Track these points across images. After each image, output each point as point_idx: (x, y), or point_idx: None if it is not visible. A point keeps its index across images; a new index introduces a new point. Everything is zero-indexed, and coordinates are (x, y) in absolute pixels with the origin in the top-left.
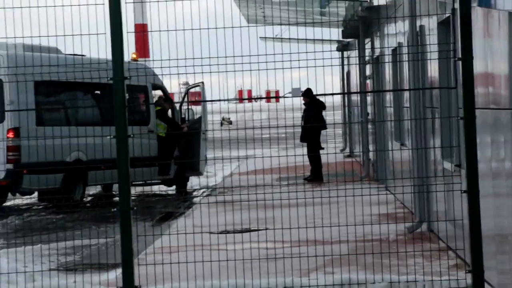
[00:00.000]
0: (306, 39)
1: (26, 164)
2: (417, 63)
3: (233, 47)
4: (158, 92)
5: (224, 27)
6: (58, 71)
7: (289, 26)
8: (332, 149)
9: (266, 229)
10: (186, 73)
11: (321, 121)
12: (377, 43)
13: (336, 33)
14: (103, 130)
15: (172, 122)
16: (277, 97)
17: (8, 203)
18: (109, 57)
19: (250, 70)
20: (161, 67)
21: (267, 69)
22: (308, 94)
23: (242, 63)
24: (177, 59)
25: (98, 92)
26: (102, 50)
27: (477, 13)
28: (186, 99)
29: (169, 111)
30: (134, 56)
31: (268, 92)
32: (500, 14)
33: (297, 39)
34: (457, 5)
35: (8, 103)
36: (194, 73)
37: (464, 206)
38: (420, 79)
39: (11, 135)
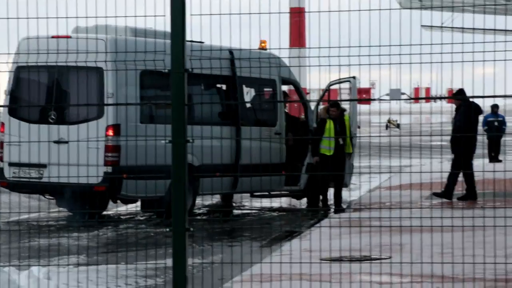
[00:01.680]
0: (484, 29)
1: (126, 167)
2: None
3: (390, 36)
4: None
5: (380, 9)
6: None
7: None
8: (504, 163)
9: (390, 257)
10: (350, 65)
11: (473, 129)
12: None
13: None
14: (223, 130)
15: (297, 123)
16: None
17: (110, 211)
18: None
19: (431, 63)
20: (319, 57)
21: (452, 62)
22: (458, 96)
23: (421, 54)
24: (340, 47)
25: (222, 86)
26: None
27: None
28: (327, 96)
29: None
30: (263, 44)
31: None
32: None
33: (473, 28)
34: None
35: (109, 96)
36: (360, 64)
37: None
38: None
39: (110, 133)
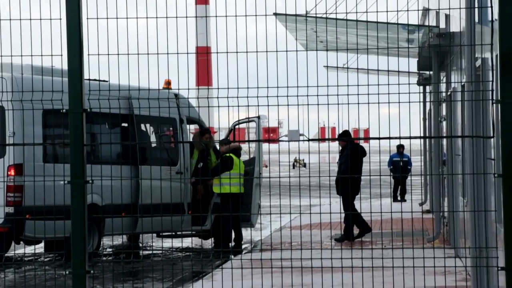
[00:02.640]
0: (388, 71)
1: (29, 207)
2: (471, 105)
3: (297, 76)
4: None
5: (286, 51)
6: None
7: (367, 53)
8: (410, 203)
9: None
10: (258, 105)
11: (359, 171)
12: (453, 78)
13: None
14: (123, 169)
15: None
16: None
17: (11, 253)
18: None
19: (338, 104)
20: (227, 97)
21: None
22: (344, 137)
23: (328, 95)
24: (248, 87)
25: (125, 124)
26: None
27: None
28: (231, 136)
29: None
30: (168, 84)
31: (355, 131)
32: None
33: (367, 69)
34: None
35: (10, 135)
36: (268, 105)
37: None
38: (472, 124)
39: (12, 172)
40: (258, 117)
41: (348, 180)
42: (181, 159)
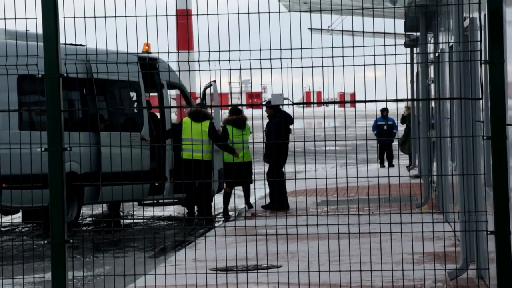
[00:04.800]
0: (374, 32)
1: (5, 176)
2: (459, 66)
3: (280, 38)
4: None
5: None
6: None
7: (352, 14)
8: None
9: (278, 267)
10: (241, 69)
11: (285, 138)
12: (441, 38)
13: (401, 25)
14: (104, 136)
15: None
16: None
17: None
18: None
19: (322, 67)
20: (209, 61)
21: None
22: (271, 105)
23: (312, 58)
24: (230, 50)
25: (112, 90)
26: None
27: None
28: (204, 101)
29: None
30: (146, 47)
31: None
32: None
33: (352, 31)
34: None
35: None
36: (251, 68)
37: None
38: (461, 85)
39: None
40: (215, 81)
41: (278, 148)
42: (145, 124)
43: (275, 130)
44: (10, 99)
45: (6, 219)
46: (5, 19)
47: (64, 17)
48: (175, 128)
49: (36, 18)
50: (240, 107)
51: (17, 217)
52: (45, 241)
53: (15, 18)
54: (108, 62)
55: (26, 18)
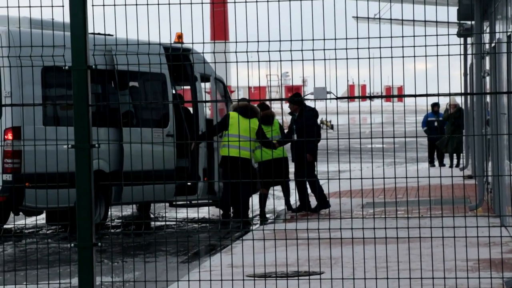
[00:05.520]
0: (413, 20)
1: (29, 175)
2: None
3: (324, 28)
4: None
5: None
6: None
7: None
8: (450, 168)
9: (320, 274)
10: (281, 60)
11: (316, 134)
12: (498, 27)
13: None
14: (135, 132)
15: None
16: (292, 100)
17: (10, 225)
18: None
19: (369, 58)
20: (247, 52)
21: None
22: (295, 100)
23: (358, 48)
24: (269, 41)
25: (135, 83)
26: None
27: None
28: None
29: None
30: (179, 37)
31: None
32: None
33: (402, 20)
34: None
35: (6, 95)
36: (292, 60)
37: None
38: None
39: (9, 136)
40: (214, 78)
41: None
42: (171, 120)
43: (309, 126)
44: (35, 93)
45: (30, 221)
46: (30, 6)
47: (92, 5)
48: (221, 123)
49: (63, 6)
50: (267, 103)
51: (41, 219)
52: (72, 244)
53: (41, 6)
54: (139, 54)
55: (52, 6)
